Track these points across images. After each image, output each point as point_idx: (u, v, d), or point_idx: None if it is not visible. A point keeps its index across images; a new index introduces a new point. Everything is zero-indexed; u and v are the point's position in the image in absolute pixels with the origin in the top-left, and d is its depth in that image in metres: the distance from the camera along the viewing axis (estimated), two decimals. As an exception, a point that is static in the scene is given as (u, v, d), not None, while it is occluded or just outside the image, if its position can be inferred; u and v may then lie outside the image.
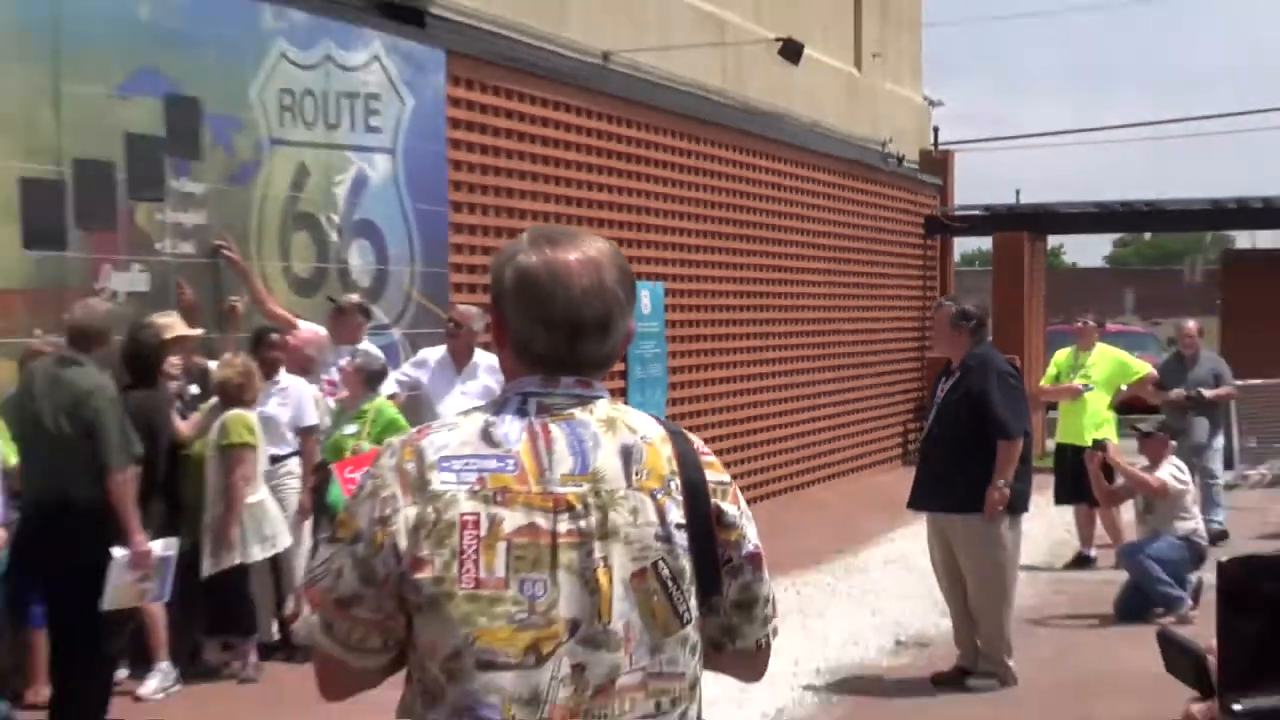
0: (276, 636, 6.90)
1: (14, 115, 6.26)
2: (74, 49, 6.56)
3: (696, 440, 1.89)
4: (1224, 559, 1.08)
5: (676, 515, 1.76)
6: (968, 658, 6.42)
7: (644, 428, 1.83)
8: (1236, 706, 1.21)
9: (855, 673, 6.71)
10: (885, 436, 14.46)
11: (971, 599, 6.40)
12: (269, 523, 6.51)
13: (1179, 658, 1.28)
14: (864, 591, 8.52)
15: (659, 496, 1.76)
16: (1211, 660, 1.31)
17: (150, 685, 6.06)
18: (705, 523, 1.80)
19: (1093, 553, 8.73)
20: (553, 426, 1.76)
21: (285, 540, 6.62)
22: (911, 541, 8.63)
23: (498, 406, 1.82)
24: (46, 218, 6.44)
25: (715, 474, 1.85)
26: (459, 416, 1.85)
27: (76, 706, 5.47)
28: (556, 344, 1.78)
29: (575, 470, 1.74)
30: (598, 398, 1.81)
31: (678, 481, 1.79)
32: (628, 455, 1.76)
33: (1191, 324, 9.77)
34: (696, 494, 1.81)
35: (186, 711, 6.03)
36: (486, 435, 1.74)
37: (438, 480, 1.70)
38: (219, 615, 6.63)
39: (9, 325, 6.17)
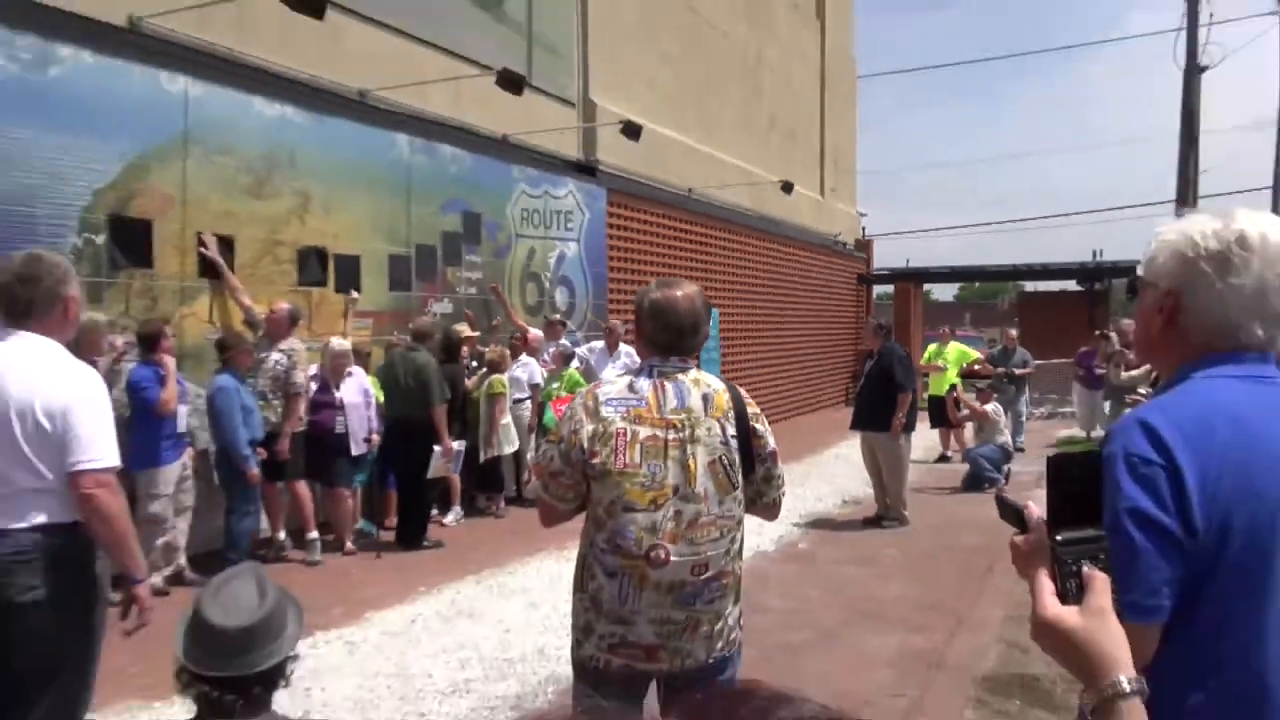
0: (514, 494, 9.36)
1: (386, 221, 8.83)
2: (418, 188, 9.16)
3: (742, 390, 2.61)
4: (1050, 455, 1.15)
5: (731, 430, 2.45)
6: (881, 510, 8.74)
7: (714, 384, 2.52)
8: (1060, 536, 1.10)
9: (821, 517, 9.02)
10: (834, 389, 20.36)
11: (885, 477, 8.66)
12: (511, 435, 8.91)
13: (1008, 509, 1.18)
14: (825, 473, 11.46)
15: (722, 421, 2.46)
16: (1027, 511, 1.21)
17: (449, 517, 8.45)
18: (746, 435, 2.49)
19: (949, 454, 12.45)
20: (666, 383, 2.45)
21: (517, 444, 9.04)
22: (850, 447, 11.51)
23: (636, 373, 2.54)
24: (401, 274, 9.03)
25: (752, 408, 2.54)
26: (617, 378, 2.58)
27: (410, 527, 7.66)
28: (669, 340, 2.50)
29: (677, 406, 2.43)
30: (690, 368, 2.50)
31: (732, 412, 2.48)
32: (705, 399, 2.45)
33: (1013, 331, 13.80)
34: (742, 419, 2.50)
35: (467, 531, 8.25)
36: (631, 387, 2.46)
37: (604, 411, 2.43)
38: (485, 481, 8.99)
39: (380, 330, 8.76)
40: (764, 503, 2.63)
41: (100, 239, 6.50)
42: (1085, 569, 1.10)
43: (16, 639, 2.81)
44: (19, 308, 2.87)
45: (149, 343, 6.26)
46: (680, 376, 2.49)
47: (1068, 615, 1.07)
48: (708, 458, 2.43)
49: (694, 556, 2.43)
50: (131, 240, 6.71)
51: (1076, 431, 15.62)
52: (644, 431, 2.41)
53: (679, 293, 2.55)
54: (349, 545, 7.58)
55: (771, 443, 2.60)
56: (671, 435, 2.41)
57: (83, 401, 2.81)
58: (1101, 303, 22.68)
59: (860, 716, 0.37)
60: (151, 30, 6.87)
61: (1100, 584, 1.08)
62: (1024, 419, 13.92)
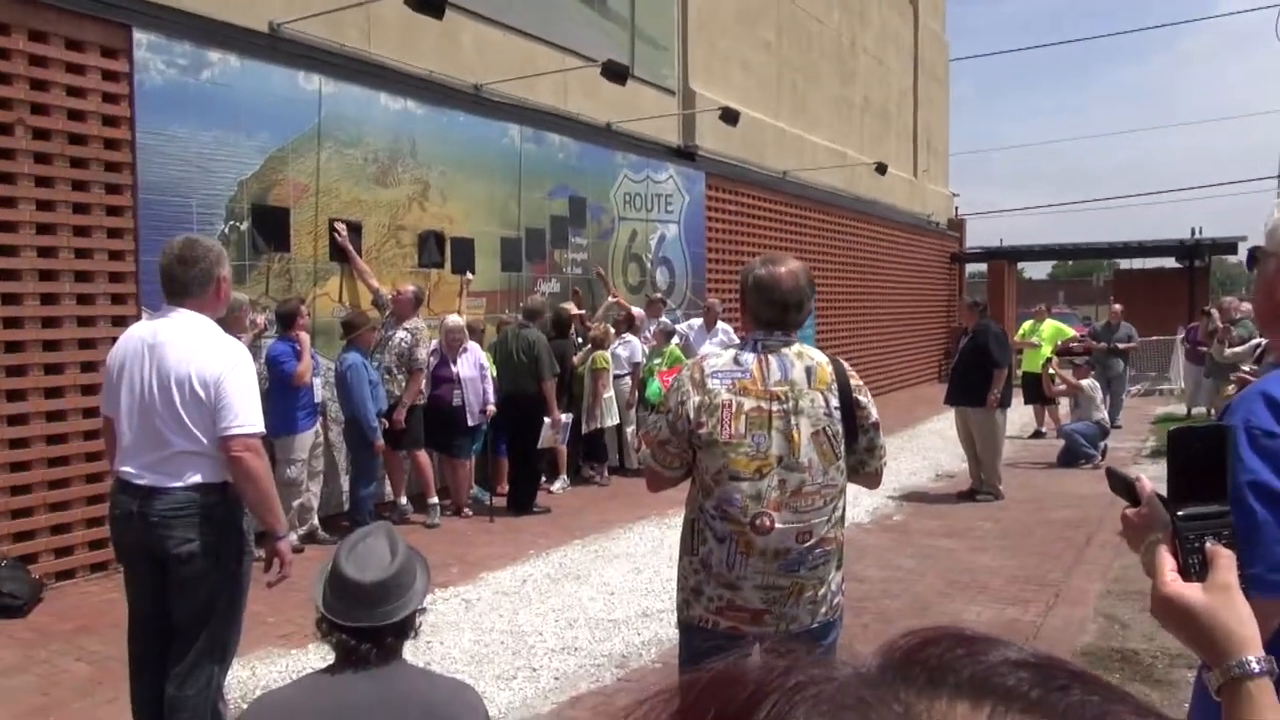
0: (617, 463, 9.44)
1: (499, 207, 8.97)
2: (528, 175, 9.26)
3: (845, 362, 2.57)
4: (1172, 428, 1.08)
5: (834, 402, 2.43)
6: (976, 484, 8.49)
7: (817, 356, 2.49)
8: (1181, 512, 1.03)
9: (915, 490, 8.83)
10: (927, 365, 20.01)
11: (979, 451, 8.41)
12: (613, 408, 9.02)
13: (1119, 482, 1.16)
14: (918, 447, 11.22)
15: (825, 393, 2.42)
16: (1139, 484, 1.17)
17: (556, 485, 8.62)
18: (849, 406, 2.46)
19: (1043, 430, 11.97)
20: (769, 356, 2.42)
21: (618, 418, 9.16)
22: (943, 422, 11.54)
23: (741, 346, 2.53)
24: (512, 256, 9.17)
25: (854, 380, 2.52)
26: (723, 351, 2.55)
27: (520, 491, 7.85)
28: (773, 315, 2.47)
29: (781, 378, 2.40)
30: (793, 342, 2.48)
31: (835, 384, 2.45)
32: (809, 371, 2.43)
33: (1117, 306, 12.80)
34: (845, 390, 2.47)
35: (572, 497, 8.44)
36: (736, 360, 2.45)
37: (710, 383, 2.42)
38: (589, 451, 9.16)
39: (493, 309, 8.94)
40: (866, 472, 2.59)
41: (244, 225, 6.76)
42: (1209, 545, 1.02)
43: (174, 586, 2.97)
44: (178, 287, 3.00)
45: (286, 320, 6.49)
46: (784, 350, 2.46)
47: (1191, 592, 1.00)
48: (811, 429, 2.40)
49: (798, 524, 2.40)
50: (271, 226, 6.97)
51: (1175, 408, 14.91)
52: (749, 403, 2.39)
53: (783, 269, 2.51)
54: (465, 510, 7.74)
55: (874, 413, 2.55)
56: (775, 407, 2.39)
57: (233, 373, 2.93)
58: (1201, 280, 21.51)
59: (1068, 661, 0.35)
60: (289, 34, 7.08)
61: (1225, 560, 1.00)
62: (1124, 396, 13.23)
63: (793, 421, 2.39)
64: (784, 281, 2.47)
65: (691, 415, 2.40)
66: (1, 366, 5.47)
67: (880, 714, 0.31)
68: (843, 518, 2.54)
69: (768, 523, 2.37)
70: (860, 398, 2.50)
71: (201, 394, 2.88)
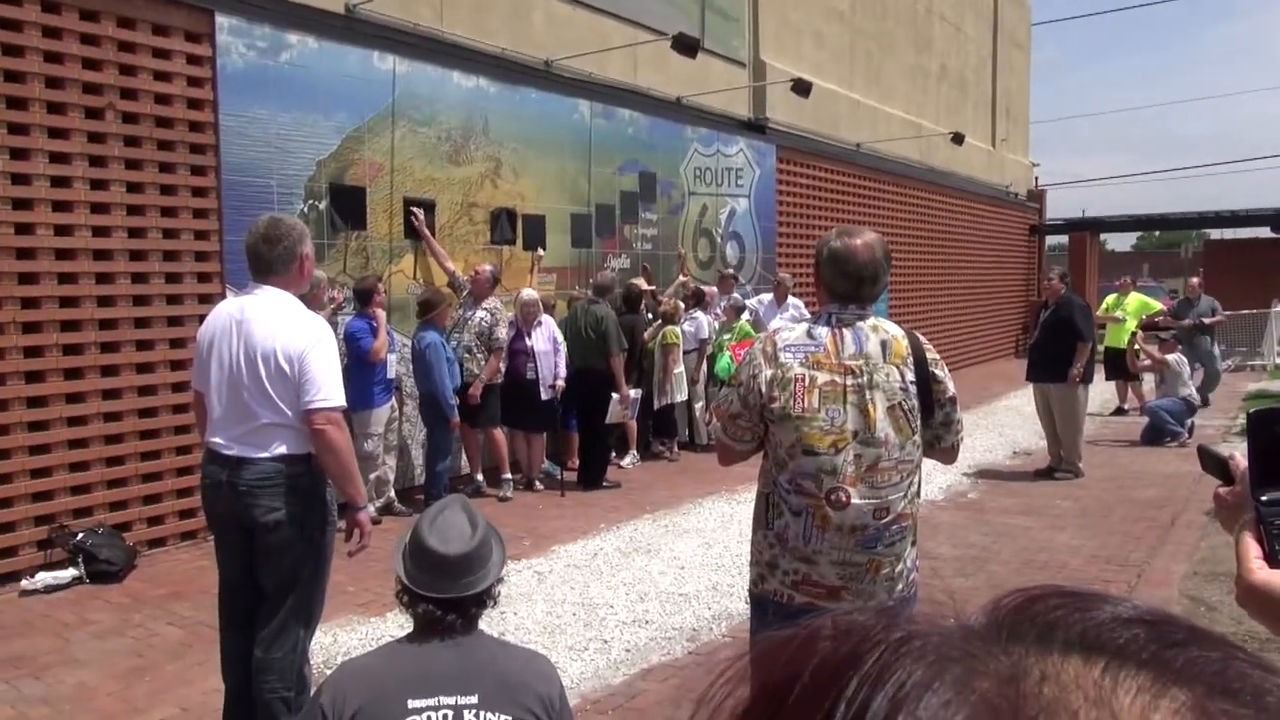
0: (686, 439, 9.46)
1: (569, 183, 9.00)
2: (598, 150, 9.27)
3: (921, 336, 2.53)
4: (1251, 410, 1.02)
5: (910, 376, 2.39)
6: (1055, 461, 8.27)
7: (893, 330, 2.45)
8: (1264, 497, 0.97)
9: (989, 468, 8.65)
10: (1004, 340, 19.51)
11: (1059, 428, 8.16)
12: (682, 384, 8.97)
13: (1210, 460, 1.13)
14: (994, 424, 10.93)
15: (900, 367, 2.38)
16: (1233, 463, 1.13)
17: (626, 460, 8.66)
18: (925, 380, 2.42)
19: (1125, 407, 11.52)
20: (844, 330, 2.39)
21: (687, 394, 9.11)
22: (1019, 398, 11.34)
23: (814, 319, 2.48)
24: (582, 232, 9.20)
25: (931, 354, 2.47)
26: (795, 325, 2.50)
27: (591, 468, 7.88)
28: (849, 287, 2.43)
29: (855, 352, 2.37)
30: (868, 315, 2.44)
31: (911, 358, 2.41)
32: (884, 345, 2.39)
33: (1195, 279, 12.31)
34: (921, 364, 2.43)
35: (642, 472, 8.51)
36: (809, 334, 2.42)
37: (783, 356, 2.38)
38: (659, 426, 9.18)
39: (563, 285, 8.97)
40: (942, 446, 2.54)
41: (322, 204, 6.91)
42: None
43: (260, 553, 3.08)
44: (263, 265, 3.09)
45: (364, 297, 6.63)
46: (859, 323, 2.42)
47: (1277, 579, 0.96)
48: (887, 403, 2.37)
49: (875, 500, 2.37)
50: (348, 205, 7.11)
51: (1268, 384, 14.31)
52: (822, 377, 2.36)
53: (859, 241, 2.46)
54: (536, 483, 7.84)
55: (951, 388, 2.50)
56: (850, 381, 2.36)
57: (316, 348, 3.02)
58: (1298, 251, 20.56)
59: (1182, 617, 0.34)
60: (364, 15, 7.19)
61: None
62: (1219, 370, 12.59)
63: (868, 396, 2.35)
64: (860, 254, 2.43)
65: (764, 389, 2.39)
66: (96, 344, 5.71)
67: (988, 667, 0.30)
68: (919, 492, 2.51)
69: (844, 498, 2.35)
70: (937, 372, 2.46)
71: (286, 369, 2.97)
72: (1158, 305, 12.36)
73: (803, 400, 2.36)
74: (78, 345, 5.64)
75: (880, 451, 2.36)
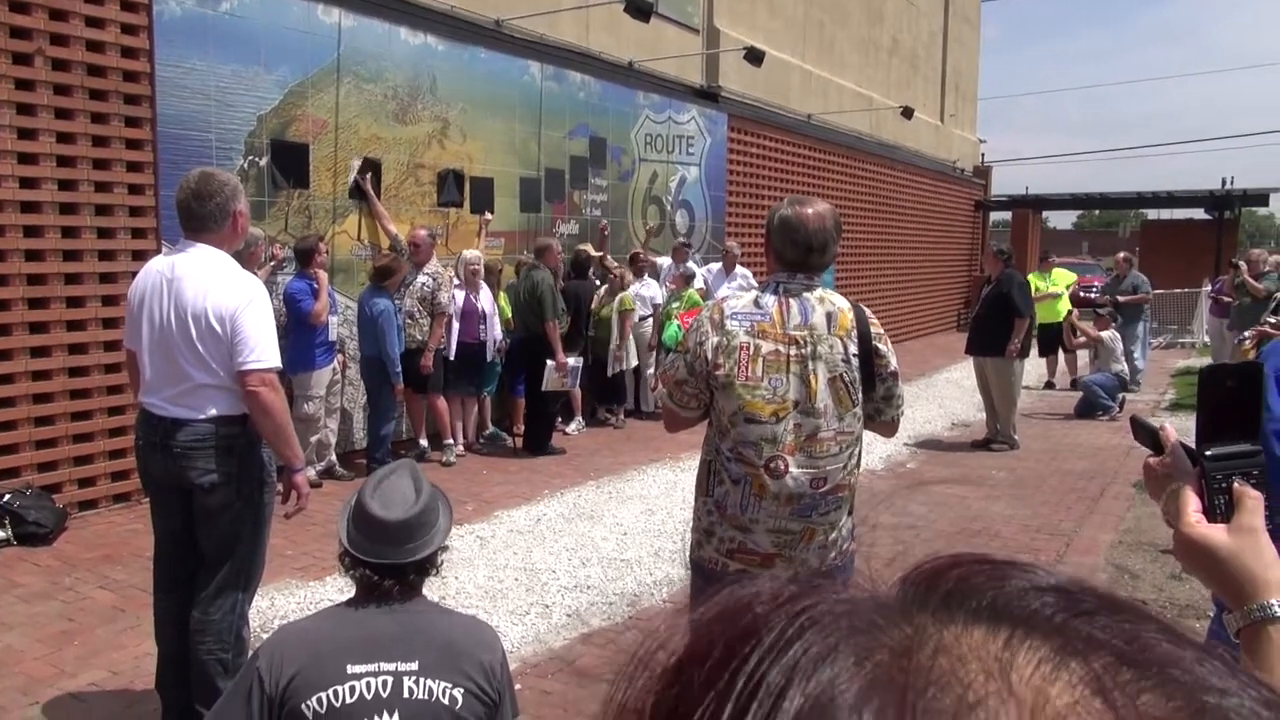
0: (633, 406, 9.41)
1: (519, 146, 8.87)
2: (548, 114, 9.14)
3: (867, 309, 2.54)
4: (1203, 367, 1.06)
5: (853, 349, 2.41)
6: (991, 433, 8.48)
7: (839, 302, 2.46)
8: (1209, 452, 1.01)
9: (929, 439, 8.79)
10: (946, 314, 19.93)
11: (995, 401, 8.37)
12: (633, 350, 9.01)
13: (1142, 430, 1.15)
14: (934, 395, 11.14)
15: (844, 339, 2.39)
16: (1163, 433, 1.15)
17: (571, 427, 8.65)
18: (868, 354, 2.44)
19: (1054, 381, 11.81)
20: (790, 299, 2.41)
21: (636, 360, 9.11)
22: (960, 371, 11.55)
23: (762, 288, 2.49)
24: (531, 196, 9.09)
25: (875, 328, 2.48)
26: (742, 293, 2.52)
27: (536, 433, 7.86)
28: (798, 255, 2.43)
29: (800, 322, 2.39)
30: (815, 286, 2.46)
31: (855, 331, 2.42)
32: (829, 317, 2.41)
33: (1121, 255, 12.25)
34: (865, 338, 2.44)
35: (587, 438, 8.47)
36: (756, 302, 2.44)
37: (729, 324, 2.40)
38: (606, 393, 9.17)
39: (511, 249, 8.88)
40: (883, 420, 2.57)
41: (263, 161, 6.74)
42: (1236, 485, 1.00)
43: (198, 515, 3.04)
44: (195, 222, 3.01)
45: (304, 257, 6.50)
46: (805, 294, 2.44)
47: (1215, 533, 0.98)
48: (829, 374, 2.39)
49: (813, 470, 2.39)
50: (290, 162, 6.94)
51: (1195, 362, 14.80)
52: (766, 346, 2.38)
53: (810, 210, 2.46)
54: (478, 444, 7.89)
55: (894, 363, 2.52)
56: (794, 351, 2.38)
57: (249, 308, 2.95)
58: (1230, 232, 21.18)
59: (1097, 586, 0.34)
60: (305, -37, 6.96)
61: (1252, 502, 0.98)
62: (1137, 355, 11.81)
63: (810, 366, 2.37)
64: (810, 223, 2.44)
65: (709, 356, 2.40)
66: (24, 299, 5.53)
67: (889, 638, 0.30)
68: (858, 464, 2.54)
69: (782, 466, 2.37)
70: (880, 346, 2.48)
71: (218, 329, 2.91)
72: (1073, 276, 12.48)
73: (746, 369, 2.36)
74: (4, 301, 5.45)
75: (820, 422, 2.38)
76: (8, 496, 5.30)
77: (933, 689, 0.27)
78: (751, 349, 2.37)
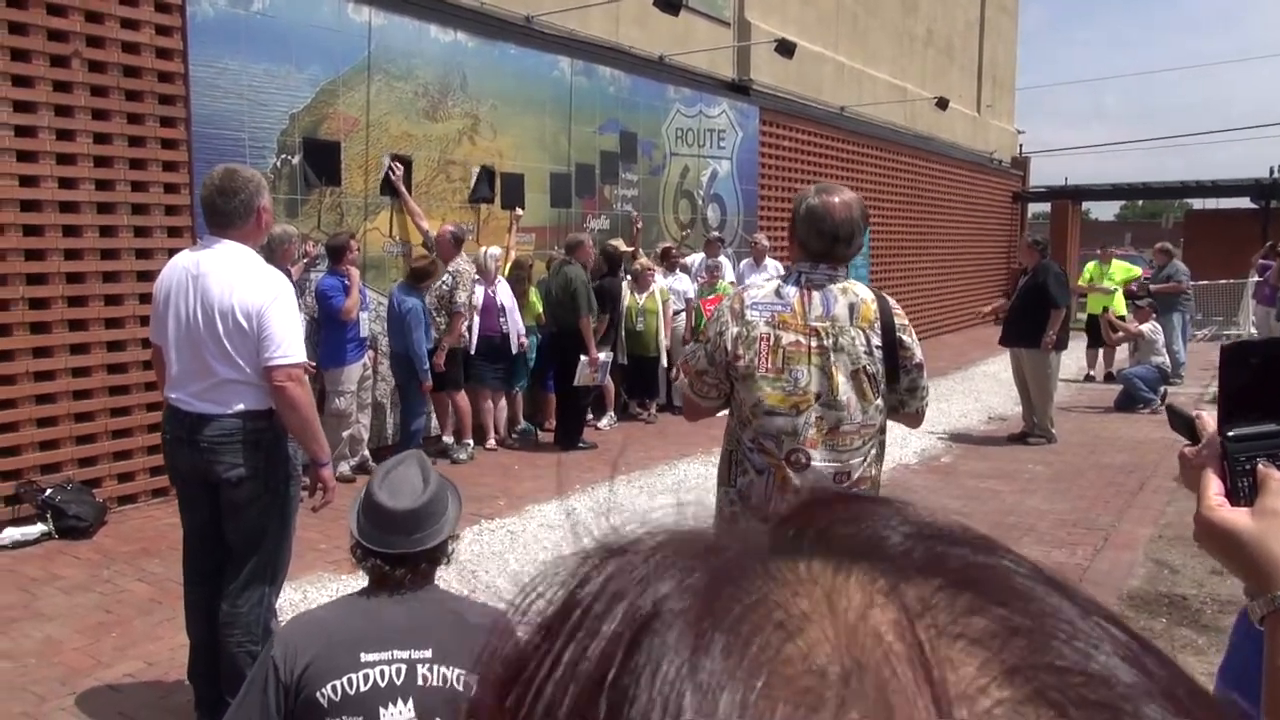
0: (663, 401, 9.29)
1: (549, 142, 8.88)
2: (578, 109, 9.15)
3: (891, 300, 2.51)
4: (1224, 344, 1.00)
5: (876, 340, 2.38)
6: (1028, 426, 8.31)
7: (863, 293, 2.43)
8: (1231, 432, 0.97)
9: (964, 432, 8.64)
10: (985, 307, 18.63)
11: (1032, 394, 8.22)
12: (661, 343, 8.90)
13: (1178, 419, 1.14)
14: (970, 389, 10.96)
15: (867, 330, 2.37)
16: (1199, 422, 1.11)
17: (603, 421, 8.66)
18: (892, 346, 2.41)
19: (1093, 373, 11.64)
20: (813, 290, 2.39)
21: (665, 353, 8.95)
22: (997, 364, 11.26)
23: (784, 278, 2.50)
24: (562, 192, 9.11)
25: (899, 319, 2.45)
26: (765, 283, 2.52)
27: (567, 427, 7.87)
28: (823, 245, 2.41)
29: (822, 314, 2.36)
30: (839, 276, 2.43)
31: (879, 323, 2.40)
32: (852, 308, 2.38)
33: (1158, 246, 12.06)
34: (889, 330, 2.41)
35: (619, 433, 8.49)
36: (777, 292, 2.42)
37: (750, 314, 2.39)
38: (640, 388, 9.16)
39: (542, 245, 8.90)
40: (907, 411, 2.54)
41: (295, 159, 6.80)
42: (1260, 466, 0.95)
43: (225, 509, 3.06)
44: (219, 218, 3.04)
45: (336, 254, 6.55)
46: (828, 285, 2.41)
47: (1236, 516, 0.94)
48: (850, 367, 2.35)
49: (835, 464, 2.36)
50: (322, 160, 7.00)
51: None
52: (787, 337, 2.35)
53: (836, 199, 2.43)
54: (511, 439, 7.91)
55: (918, 354, 2.48)
56: (814, 342, 2.35)
57: (275, 304, 2.97)
58: (1277, 221, 20.65)
59: (969, 529, 0.32)
60: (335, -37, 7.02)
61: (1276, 484, 0.93)
62: (1176, 346, 11.43)
63: (832, 359, 2.34)
64: (836, 212, 2.41)
65: (729, 346, 2.38)
66: (64, 298, 5.63)
67: (731, 577, 0.28)
68: (881, 455, 2.50)
69: (803, 459, 2.34)
70: (904, 337, 2.44)
71: (245, 325, 2.93)
72: (1138, 271, 12.23)
73: (766, 360, 2.33)
74: (44, 299, 5.55)
75: (842, 415, 2.34)
76: (49, 491, 5.40)
77: (749, 611, 0.26)
78: (772, 340, 2.35)
